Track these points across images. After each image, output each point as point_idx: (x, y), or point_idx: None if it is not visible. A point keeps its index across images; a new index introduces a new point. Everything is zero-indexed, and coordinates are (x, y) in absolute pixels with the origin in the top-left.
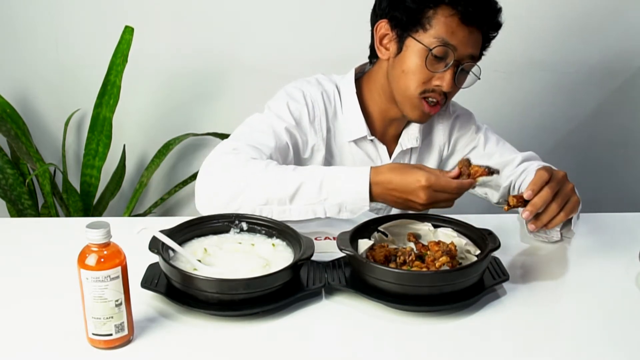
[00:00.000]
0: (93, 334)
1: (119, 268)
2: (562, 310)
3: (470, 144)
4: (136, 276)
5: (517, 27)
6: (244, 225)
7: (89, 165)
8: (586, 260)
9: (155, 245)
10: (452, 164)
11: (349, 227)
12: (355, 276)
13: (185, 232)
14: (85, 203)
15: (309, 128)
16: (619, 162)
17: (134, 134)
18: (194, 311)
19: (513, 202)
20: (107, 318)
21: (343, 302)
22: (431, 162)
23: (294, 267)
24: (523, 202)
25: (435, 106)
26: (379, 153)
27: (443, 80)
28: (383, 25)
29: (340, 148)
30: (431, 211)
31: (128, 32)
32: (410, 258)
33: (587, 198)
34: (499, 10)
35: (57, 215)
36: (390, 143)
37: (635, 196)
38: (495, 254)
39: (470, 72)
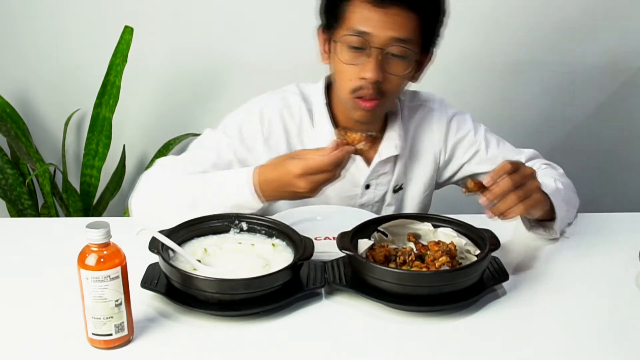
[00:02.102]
0: (93, 334)
1: (119, 268)
2: (561, 310)
3: (471, 149)
4: (136, 276)
5: (517, 27)
6: (244, 225)
7: (89, 165)
8: (586, 260)
9: (155, 245)
10: (451, 170)
11: (349, 227)
12: (355, 276)
13: (185, 232)
14: (85, 203)
15: (262, 146)
16: (619, 162)
17: (134, 134)
18: (194, 311)
19: (471, 186)
20: (107, 318)
21: (343, 302)
22: (425, 170)
23: (293, 267)
24: (482, 188)
25: (373, 100)
26: (357, 164)
27: (365, 70)
28: (320, 31)
29: None
30: (430, 210)
31: (128, 32)
32: (410, 258)
33: (587, 198)
34: None
35: (57, 215)
36: (369, 152)
37: (635, 196)
38: (495, 254)
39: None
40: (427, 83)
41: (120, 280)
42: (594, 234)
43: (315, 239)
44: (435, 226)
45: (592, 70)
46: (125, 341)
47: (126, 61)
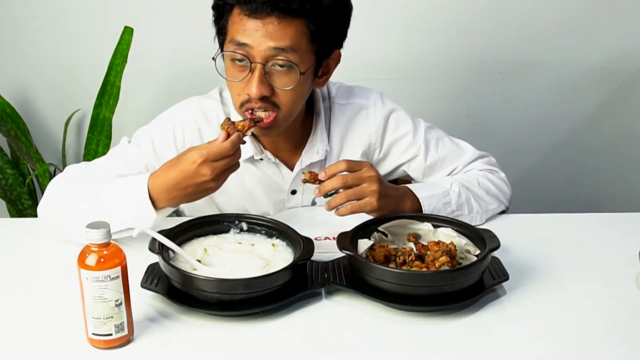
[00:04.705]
0: (93, 334)
1: (119, 268)
2: (561, 310)
3: (409, 151)
4: (136, 276)
5: (517, 27)
6: (244, 226)
7: None
8: (586, 260)
9: (155, 245)
10: (386, 168)
11: (349, 227)
12: (355, 276)
13: (185, 232)
14: None
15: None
16: (619, 162)
17: (133, 134)
18: (194, 311)
19: (307, 177)
20: (107, 318)
21: (343, 302)
22: None
23: (293, 267)
24: (317, 180)
25: (267, 114)
26: (281, 171)
27: (250, 86)
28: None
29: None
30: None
31: (127, 32)
32: (410, 258)
33: (587, 198)
34: None
35: None
36: (292, 158)
37: (635, 196)
38: (495, 254)
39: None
40: (428, 84)
41: (120, 280)
42: (594, 234)
43: (315, 239)
44: (435, 226)
45: (592, 70)
46: (125, 341)
47: (126, 61)
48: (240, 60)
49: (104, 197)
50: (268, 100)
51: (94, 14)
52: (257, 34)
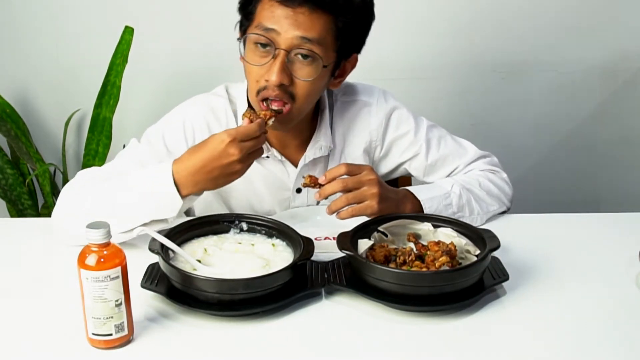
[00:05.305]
0: (93, 334)
1: (119, 268)
2: (561, 310)
3: (410, 149)
4: (136, 276)
5: (517, 27)
6: (244, 226)
7: (89, 166)
8: (586, 260)
9: (155, 245)
10: (387, 167)
11: (349, 227)
12: (355, 276)
13: (185, 232)
14: None
15: None
16: (619, 162)
17: (134, 134)
18: (194, 311)
19: (307, 181)
20: (107, 318)
21: (343, 302)
22: None
23: (293, 267)
24: (317, 184)
25: (281, 105)
26: (286, 169)
27: (270, 72)
28: (238, 29)
29: None
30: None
31: (128, 32)
32: (410, 258)
33: (587, 198)
34: None
35: None
36: (298, 155)
37: (635, 196)
38: (495, 254)
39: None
40: (428, 84)
41: (120, 280)
42: (594, 234)
43: (315, 239)
44: (435, 226)
45: (592, 70)
46: (125, 341)
47: (126, 61)
48: (264, 46)
49: (124, 191)
50: (285, 90)
51: (94, 14)
52: (286, 22)
